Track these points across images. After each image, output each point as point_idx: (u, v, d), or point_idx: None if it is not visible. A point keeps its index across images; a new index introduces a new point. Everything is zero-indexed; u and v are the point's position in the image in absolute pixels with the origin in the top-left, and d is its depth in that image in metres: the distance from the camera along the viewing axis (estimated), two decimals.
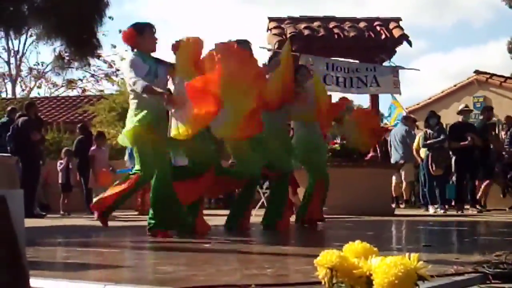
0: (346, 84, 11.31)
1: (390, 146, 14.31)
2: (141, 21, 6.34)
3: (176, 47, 6.17)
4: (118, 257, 4.69)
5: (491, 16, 64.19)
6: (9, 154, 10.90)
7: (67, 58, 14.83)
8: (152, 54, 6.28)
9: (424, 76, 57.59)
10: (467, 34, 68.30)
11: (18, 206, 1.41)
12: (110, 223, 9.45)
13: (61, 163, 12.96)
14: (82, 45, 12.55)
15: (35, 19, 12.46)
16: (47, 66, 33.62)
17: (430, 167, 12.44)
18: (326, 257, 1.92)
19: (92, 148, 11.99)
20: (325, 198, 8.11)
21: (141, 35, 6.15)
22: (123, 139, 6.08)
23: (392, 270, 1.77)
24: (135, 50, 6.20)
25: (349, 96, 10.85)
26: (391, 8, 61.17)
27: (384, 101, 15.37)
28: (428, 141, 12.51)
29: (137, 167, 6.14)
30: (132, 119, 6.00)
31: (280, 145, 7.27)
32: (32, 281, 1.71)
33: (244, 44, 6.62)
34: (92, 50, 13.21)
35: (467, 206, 12.76)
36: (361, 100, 50.01)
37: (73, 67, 27.86)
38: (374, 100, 12.69)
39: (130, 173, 6.36)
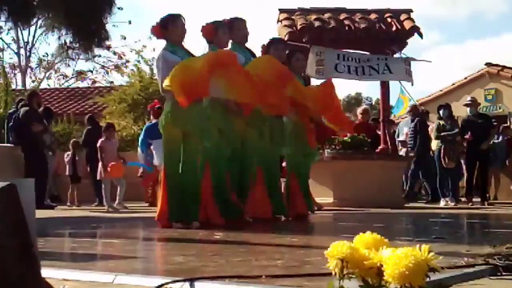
0: (358, 72, 11.23)
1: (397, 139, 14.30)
2: (164, 13, 6.58)
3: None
4: (128, 248, 4.70)
5: (505, 8, 63.83)
6: (12, 145, 10.92)
7: (72, 48, 14.87)
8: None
9: (437, 68, 57.37)
10: (481, 26, 67.96)
11: (29, 195, 1.41)
12: (120, 215, 9.50)
13: (68, 155, 13.00)
14: (90, 36, 12.52)
15: (43, 10, 12.46)
16: (56, 57, 33.72)
17: (442, 160, 12.40)
18: (337, 248, 1.91)
19: (101, 139, 12.02)
20: (305, 191, 7.82)
21: (166, 28, 6.35)
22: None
23: (403, 261, 1.76)
24: (166, 43, 6.39)
25: (361, 84, 10.73)
26: None
27: (394, 92, 15.22)
28: (442, 133, 12.44)
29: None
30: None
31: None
32: (43, 271, 1.71)
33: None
34: (100, 41, 13.18)
35: (476, 199, 12.71)
36: (372, 92, 49.81)
37: (78, 58, 27.95)
38: (384, 92, 12.63)
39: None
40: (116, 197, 11.58)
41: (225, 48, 6.81)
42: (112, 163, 11.45)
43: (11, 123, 11.70)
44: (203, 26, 6.78)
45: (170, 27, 6.33)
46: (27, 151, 11.03)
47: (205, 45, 6.79)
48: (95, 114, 22.57)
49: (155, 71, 7.25)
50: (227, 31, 6.85)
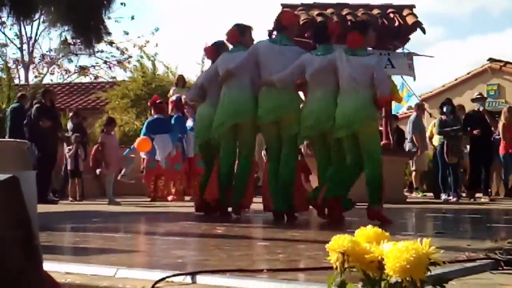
0: None
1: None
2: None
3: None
4: (130, 242, 4.72)
5: (509, 4, 63.65)
6: (21, 140, 10.95)
7: (73, 44, 14.86)
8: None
9: (440, 63, 57.15)
10: (484, 22, 67.79)
11: (31, 188, 1.41)
12: (122, 209, 9.51)
13: (69, 149, 13.00)
14: (89, 31, 12.52)
15: (45, 5, 12.46)
16: (58, 52, 33.71)
17: (445, 155, 12.39)
18: (338, 242, 1.91)
19: (102, 134, 12.02)
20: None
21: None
22: None
23: (403, 254, 1.76)
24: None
25: None
26: None
27: (396, 81, 15.10)
28: (445, 129, 12.43)
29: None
30: None
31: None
32: (46, 265, 1.72)
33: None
34: (100, 36, 13.18)
35: (479, 195, 12.71)
36: None
37: (80, 54, 27.95)
38: None
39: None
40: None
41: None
42: (140, 138, 11.77)
43: (25, 120, 11.86)
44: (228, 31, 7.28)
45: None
46: (38, 147, 11.27)
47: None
48: (97, 109, 22.65)
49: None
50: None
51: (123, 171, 11.92)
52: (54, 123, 11.99)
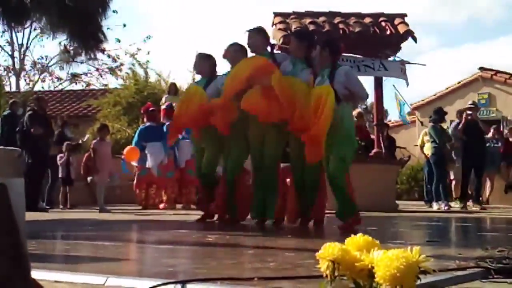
0: (353, 70, 11.39)
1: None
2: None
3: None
4: (121, 251, 4.70)
5: (502, 14, 64.02)
6: (13, 148, 10.91)
7: (72, 51, 14.81)
8: None
9: (433, 72, 57.28)
10: (478, 31, 68.11)
11: (19, 195, 1.40)
12: (113, 217, 9.48)
13: (61, 157, 12.95)
14: (88, 38, 12.50)
15: (38, 12, 12.43)
16: (51, 60, 33.65)
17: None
18: (328, 250, 1.91)
19: (94, 141, 11.99)
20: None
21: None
22: None
23: (394, 263, 1.76)
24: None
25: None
26: (402, 3, 60.78)
27: (388, 96, 15.07)
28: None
29: None
30: None
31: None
32: (35, 273, 1.71)
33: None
34: (98, 43, 13.15)
35: (469, 203, 12.75)
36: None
37: (78, 62, 27.88)
38: (379, 96, 12.65)
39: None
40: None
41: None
42: (128, 147, 11.77)
43: (18, 127, 11.80)
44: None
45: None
46: (29, 154, 11.20)
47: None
48: (89, 117, 22.61)
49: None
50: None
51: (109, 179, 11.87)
52: (46, 131, 11.93)
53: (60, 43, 16.67)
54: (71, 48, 13.51)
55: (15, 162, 3.10)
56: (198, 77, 8.90)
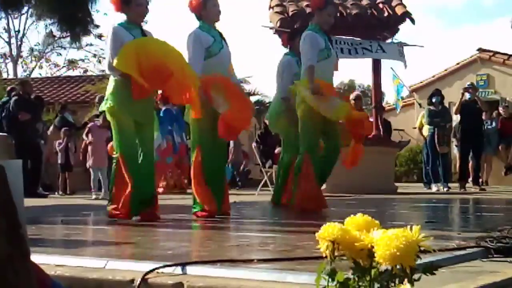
0: (351, 53, 11.40)
1: None
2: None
3: None
4: (120, 234, 4.71)
5: None
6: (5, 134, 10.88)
7: (60, 37, 14.77)
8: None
9: (431, 53, 57.20)
10: (477, 12, 67.89)
11: (16, 176, 1.40)
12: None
13: (60, 143, 12.92)
14: (76, 24, 12.42)
15: None
16: (44, 45, 33.51)
17: (436, 145, 12.46)
18: (328, 230, 1.90)
19: (91, 123, 11.95)
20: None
21: (128, 4, 5.77)
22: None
23: (393, 242, 1.76)
24: (124, 19, 5.87)
25: (354, 71, 10.61)
26: None
27: (386, 79, 14.83)
28: (435, 119, 12.47)
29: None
30: None
31: None
32: (35, 258, 1.70)
33: None
34: (86, 29, 13.08)
35: (468, 184, 12.77)
36: (364, 79, 49.75)
37: (67, 47, 27.78)
38: (377, 79, 12.63)
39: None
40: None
41: (214, 22, 6.27)
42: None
43: (3, 113, 11.71)
44: (190, 2, 6.23)
45: (132, 3, 5.74)
46: (16, 140, 10.99)
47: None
48: (86, 103, 22.54)
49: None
50: (217, 3, 6.28)
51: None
52: (34, 116, 11.78)
53: (46, 26, 16.56)
54: (61, 34, 13.45)
55: (10, 147, 3.08)
56: None
